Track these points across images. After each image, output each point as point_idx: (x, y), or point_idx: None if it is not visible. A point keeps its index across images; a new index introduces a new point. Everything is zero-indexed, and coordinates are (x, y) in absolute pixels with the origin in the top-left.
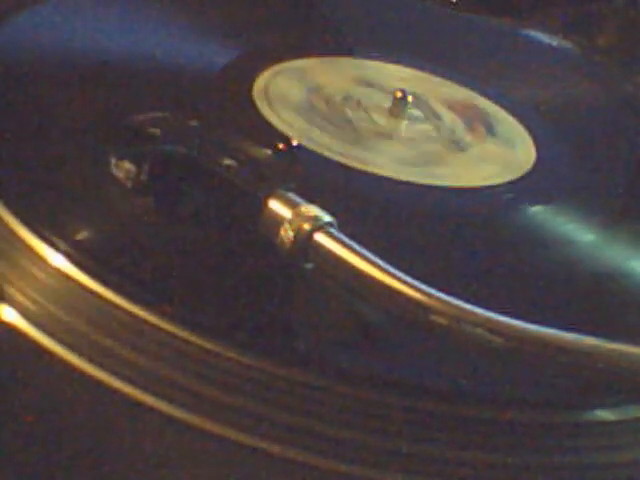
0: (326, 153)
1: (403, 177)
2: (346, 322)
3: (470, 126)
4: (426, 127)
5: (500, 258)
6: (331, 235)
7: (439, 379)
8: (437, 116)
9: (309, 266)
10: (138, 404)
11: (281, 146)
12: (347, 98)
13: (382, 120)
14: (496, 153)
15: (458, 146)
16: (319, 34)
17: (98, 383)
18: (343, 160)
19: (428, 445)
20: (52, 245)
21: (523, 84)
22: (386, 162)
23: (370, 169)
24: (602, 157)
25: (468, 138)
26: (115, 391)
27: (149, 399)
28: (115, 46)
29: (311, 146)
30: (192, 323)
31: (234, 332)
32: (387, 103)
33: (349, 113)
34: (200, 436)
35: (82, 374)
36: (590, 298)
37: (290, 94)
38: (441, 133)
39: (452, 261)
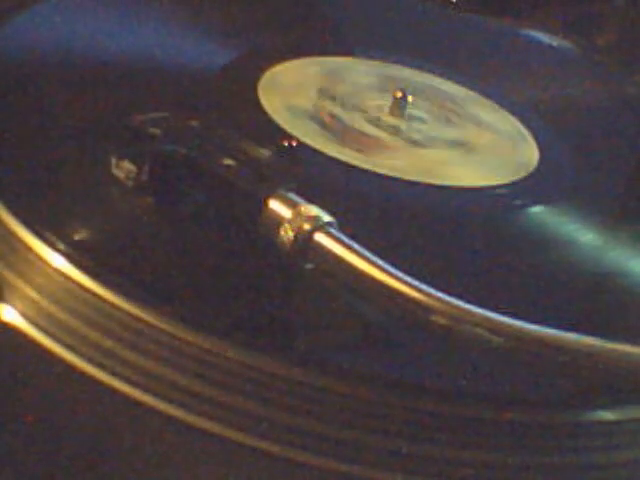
0: (326, 153)
1: (403, 177)
2: (346, 322)
3: (470, 126)
4: (426, 127)
5: (500, 258)
6: (331, 235)
7: (439, 379)
8: (437, 116)
9: (309, 266)
10: (138, 404)
11: (281, 146)
12: (347, 98)
13: (382, 120)
14: (496, 153)
15: (458, 146)
16: (319, 34)
17: (98, 383)
18: (343, 160)
19: (428, 445)
20: (52, 245)
21: (523, 84)
22: (386, 162)
23: (370, 169)
24: (602, 157)
25: (468, 138)
26: (115, 391)
27: (149, 399)
28: (115, 46)
29: (311, 146)
30: (192, 323)
31: (234, 332)
32: (387, 103)
33: (349, 113)
34: (200, 436)
35: (82, 374)
36: (590, 298)
37: (290, 94)
38: (441, 133)
39: (452, 261)
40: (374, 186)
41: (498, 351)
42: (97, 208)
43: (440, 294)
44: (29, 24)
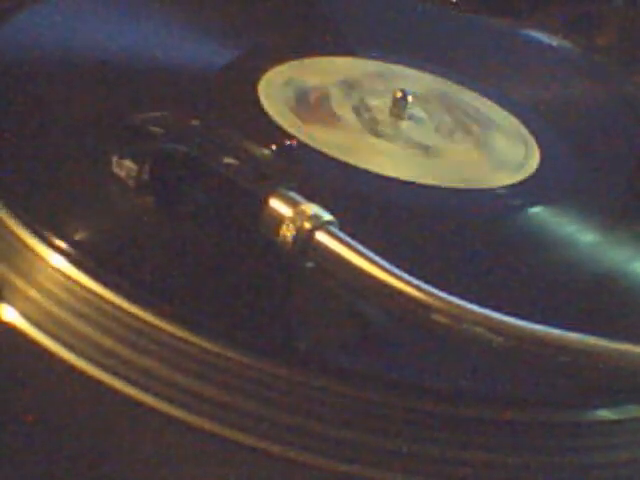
0: (327, 152)
1: (403, 177)
2: (346, 322)
3: (469, 126)
4: (426, 127)
5: (500, 258)
6: (332, 234)
7: (439, 379)
8: (437, 116)
9: (310, 265)
10: (138, 404)
11: (282, 145)
12: (347, 98)
13: (382, 120)
14: (495, 153)
15: (457, 146)
16: (319, 34)
17: (98, 383)
18: (344, 159)
19: (428, 445)
20: (52, 245)
21: (523, 84)
22: (386, 162)
23: (370, 168)
24: (602, 157)
25: (467, 138)
26: (115, 391)
27: (149, 399)
28: (115, 46)
29: (312, 145)
30: (192, 323)
31: (234, 332)
32: (387, 103)
33: (349, 113)
34: (200, 436)
35: (82, 374)
36: (590, 298)
37: (290, 93)
38: (441, 133)
39: (452, 261)
40: (374, 186)
41: (498, 351)
42: (98, 208)
43: (441, 293)
44: (29, 24)
